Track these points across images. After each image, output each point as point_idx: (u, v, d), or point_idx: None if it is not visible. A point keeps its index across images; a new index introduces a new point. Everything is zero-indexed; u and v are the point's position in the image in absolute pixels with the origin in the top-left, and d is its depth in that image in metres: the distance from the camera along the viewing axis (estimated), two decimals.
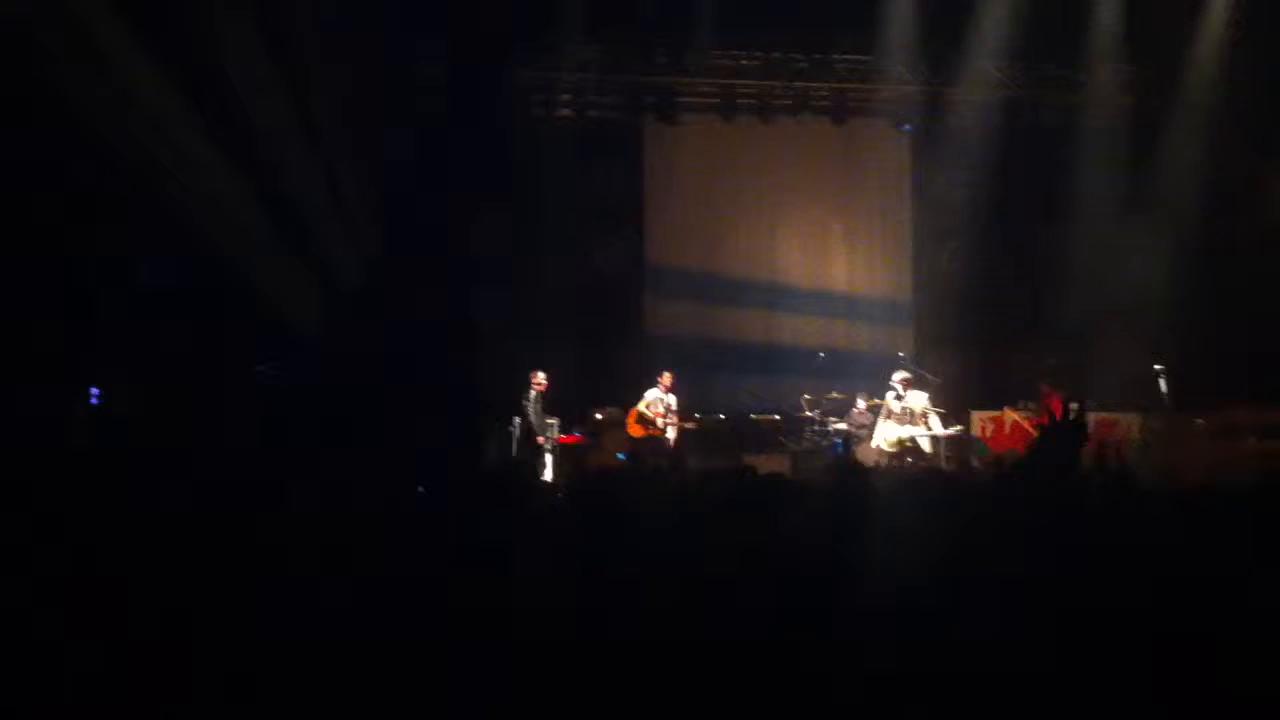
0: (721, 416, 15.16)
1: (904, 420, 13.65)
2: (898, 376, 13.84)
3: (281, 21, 11.43)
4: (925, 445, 13.62)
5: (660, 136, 16.29)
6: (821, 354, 15.22)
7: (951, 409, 14.44)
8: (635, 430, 13.93)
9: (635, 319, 16.08)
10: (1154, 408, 13.33)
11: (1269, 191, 14.14)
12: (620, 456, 12.22)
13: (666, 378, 14.00)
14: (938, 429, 13.63)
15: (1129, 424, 13.87)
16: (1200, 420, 13.03)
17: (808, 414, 14.42)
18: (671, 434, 13.97)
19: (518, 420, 13.30)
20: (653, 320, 16.16)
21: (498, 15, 14.17)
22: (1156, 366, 13.08)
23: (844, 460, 13.35)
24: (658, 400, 13.96)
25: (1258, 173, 14.24)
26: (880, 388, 14.21)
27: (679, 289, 16.17)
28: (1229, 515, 5.12)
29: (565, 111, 15.83)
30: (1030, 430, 12.90)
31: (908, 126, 16.34)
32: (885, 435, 13.70)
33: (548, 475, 13.36)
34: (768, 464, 12.98)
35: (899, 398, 13.74)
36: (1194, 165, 14.09)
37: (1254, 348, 12.78)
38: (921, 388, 13.98)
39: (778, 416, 14.93)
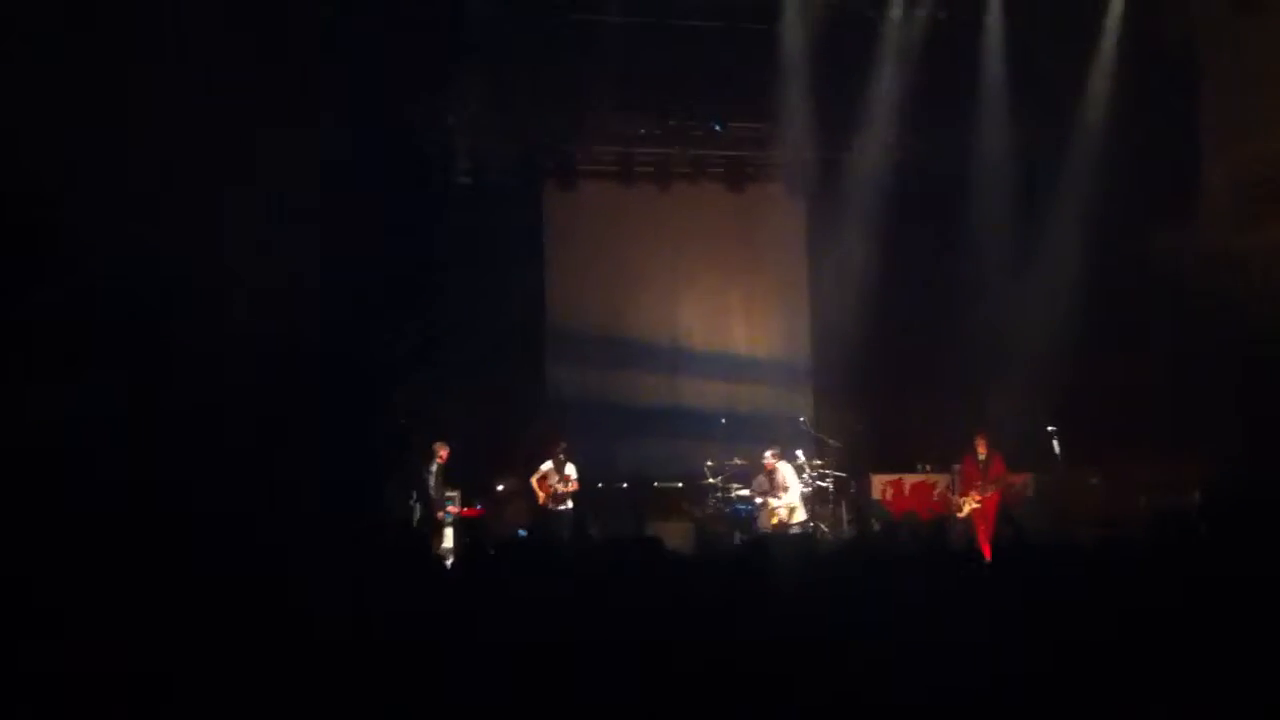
0: (625, 485, 15.04)
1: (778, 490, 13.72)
2: (767, 454, 13.90)
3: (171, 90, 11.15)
4: (794, 515, 13.65)
5: (560, 202, 16.31)
6: (723, 419, 15.23)
7: (851, 471, 14.53)
8: (537, 503, 13.76)
9: (537, 384, 15.95)
10: (1048, 464, 13.52)
11: (1159, 247, 14.51)
12: (520, 532, 12.04)
13: (560, 448, 13.91)
14: (791, 500, 13.67)
15: (1025, 481, 14.05)
16: (1094, 479, 13.25)
17: (711, 480, 14.38)
18: (571, 503, 13.82)
19: (416, 494, 13.03)
20: (555, 385, 16.06)
21: (396, 81, 14.04)
22: (1050, 427, 13.26)
23: (747, 531, 13.40)
24: (553, 471, 13.83)
25: (1148, 224, 14.62)
26: (782, 450, 14.27)
27: (581, 353, 16.11)
28: (1125, 572, 5.16)
29: (464, 179, 15.76)
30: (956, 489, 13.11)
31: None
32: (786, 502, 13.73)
33: (447, 546, 13.14)
34: (671, 531, 12.93)
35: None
36: (1084, 223, 14.42)
37: (1146, 402, 13.02)
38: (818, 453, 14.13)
39: (680, 484, 14.87)
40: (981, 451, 13.28)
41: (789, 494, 13.67)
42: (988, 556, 11.42)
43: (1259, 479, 10.71)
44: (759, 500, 13.81)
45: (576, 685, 3.67)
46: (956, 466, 13.80)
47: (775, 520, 13.52)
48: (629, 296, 16.40)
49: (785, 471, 13.82)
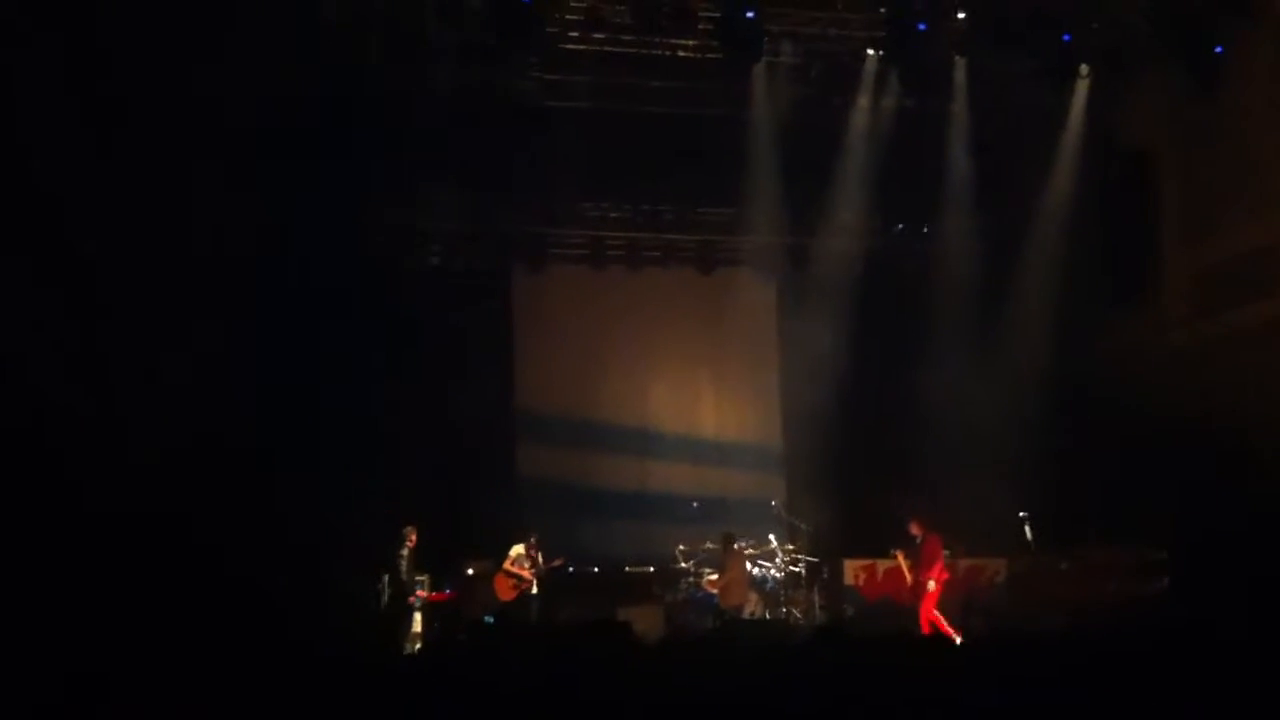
0: (595, 569, 14.92)
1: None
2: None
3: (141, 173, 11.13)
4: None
5: (530, 284, 16.38)
6: (695, 503, 15.18)
7: (824, 556, 14.47)
8: (505, 594, 13.62)
9: (507, 466, 15.87)
10: (1020, 552, 13.50)
11: (1122, 336, 14.66)
12: (487, 619, 11.85)
13: (528, 541, 13.81)
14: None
15: (996, 569, 14.03)
16: (1064, 564, 13.23)
17: (682, 564, 14.28)
18: (537, 588, 13.70)
19: (387, 579, 12.88)
20: (525, 467, 15.98)
21: (366, 165, 14.13)
22: (1022, 514, 13.27)
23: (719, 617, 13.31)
24: (522, 558, 13.74)
25: (1110, 317, 14.77)
26: (754, 534, 14.23)
27: (550, 435, 16.07)
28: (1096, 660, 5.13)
29: (435, 260, 15.81)
30: (908, 575, 12.86)
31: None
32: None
33: (415, 631, 12.98)
34: (642, 615, 12.80)
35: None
36: (1049, 311, 14.56)
37: (1114, 489, 13.06)
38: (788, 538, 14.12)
39: (652, 568, 14.77)
40: (916, 534, 13.10)
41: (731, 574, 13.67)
42: (925, 632, 11.42)
43: (1226, 565, 10.74)
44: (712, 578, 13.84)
45: None
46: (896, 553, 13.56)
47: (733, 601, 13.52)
48: (598, 379, 16.40)
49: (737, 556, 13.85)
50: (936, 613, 12.49)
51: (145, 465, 10.17)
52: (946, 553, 12.89)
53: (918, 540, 12.91)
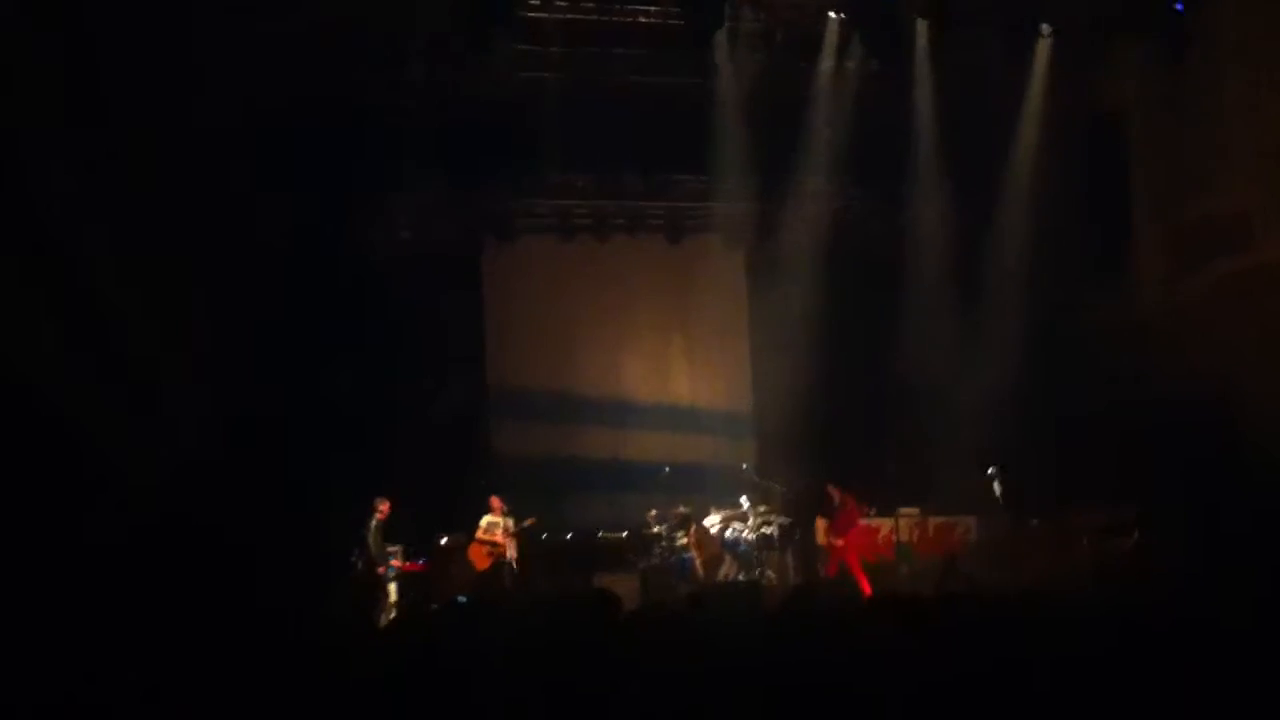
0: (569, 536, 14.99)
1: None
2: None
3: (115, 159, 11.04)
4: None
5: (499, 257, 16.31)
6: (666, 468, 15.24)
7: (796, 518, 14.56)
8: (480, 562, 13.72)
9: (481, 440, 15.88)
10: (990, 511, 13.64)
11: (1093, 297, 14.78)
12: (460, 599, 11.89)
13: (496, 502, 13.98)
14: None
15: (966, 527, 14.17)
16: (1035, 521, 13.38)
17: (655, 530, 14.35)
18: (512, 552, 13.79)
19: (358, 550, 12.92)
20: (498, 440, 15.99)
21: (334, 143, 14.03)
22: (990, 470, 13.41)
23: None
24: (493, 525, 13.81)
25: (1081, 279, 14.89)
26: (726, 499, 14.33)
27: (524, 408, 16.07)
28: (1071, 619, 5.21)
29: (405, 234, 15.72)
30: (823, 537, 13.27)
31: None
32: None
33: (391, 601, 13.01)
34: (617, 583, 12.85)
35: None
36: (1020, 273, 14.67)
37: (1086, 449, 13.19)
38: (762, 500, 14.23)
39: (625, 534, 14.83)
40: (833, 497, 13.58)
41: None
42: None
43: (1195, 522, 10.89)
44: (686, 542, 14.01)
45: None
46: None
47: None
48: (570, 350, 16.41)
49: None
50: (853, 563, 12.95)
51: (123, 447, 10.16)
52: (870, 510, 13.87)
53: (835, 503, 13.45)
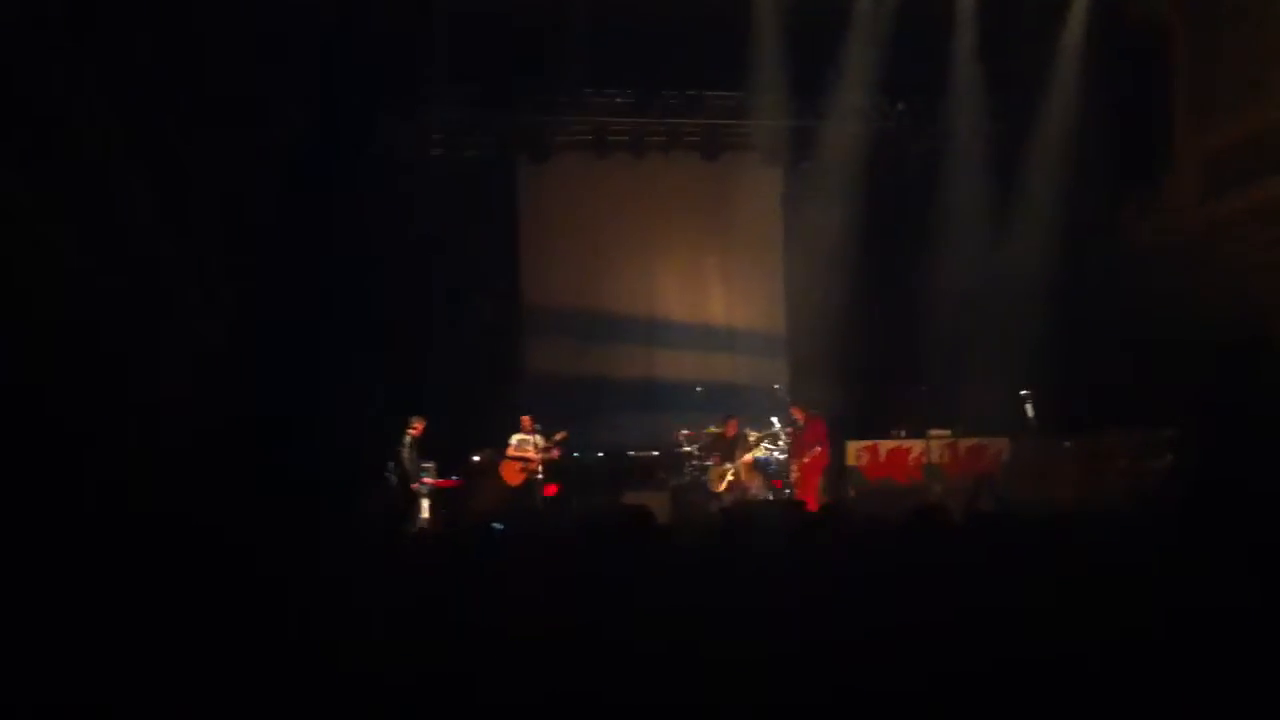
0: (600, 455, 15.07)
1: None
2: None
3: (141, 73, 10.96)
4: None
5: (534, 175, 16.22)
6: (699, 388, 15.24)
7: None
8: (513, 478, 13.84)
9: (514, 359, 15.92)
10: (1023, 432, 13.58)
11: (1131, 217, 14.58)
12: (496, 525, 12.03)
13: (526, 420, 14.06)
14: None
15: (999, 449, 14.12)
16: (1068, 443, 13.31)
17: (686, 449, 14.40)
18: (544, 464, 13.96)
19: (392, 465, 13.06)
20: (531, 359, 16.03)
21: (367, 60, 13.93)
22: (1023, 391, 13.33)
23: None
24: (524, 442, 13.91)
25: (1119, 198, 14.68)
26: (758, 419, 14.32)
27: (557, 327, 16.08)
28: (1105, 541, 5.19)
29: (437, 151, 15.64)
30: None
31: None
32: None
33: (424, 517, 13.16)
34: (648, 500, 12.93)
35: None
36: (1057, 192, 14.48)
37: (1119, 370, 13.09)
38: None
39: (656, 453, 14.90)
40: (799, 418, 13.72)
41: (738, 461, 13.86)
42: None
43: (1228, 448, 10.80)
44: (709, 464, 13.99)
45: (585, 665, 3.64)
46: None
47: (725, 485, 13.66)
48: (604, 268, 16.35)
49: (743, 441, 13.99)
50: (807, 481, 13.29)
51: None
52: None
53: (800, 424, 13.62)
